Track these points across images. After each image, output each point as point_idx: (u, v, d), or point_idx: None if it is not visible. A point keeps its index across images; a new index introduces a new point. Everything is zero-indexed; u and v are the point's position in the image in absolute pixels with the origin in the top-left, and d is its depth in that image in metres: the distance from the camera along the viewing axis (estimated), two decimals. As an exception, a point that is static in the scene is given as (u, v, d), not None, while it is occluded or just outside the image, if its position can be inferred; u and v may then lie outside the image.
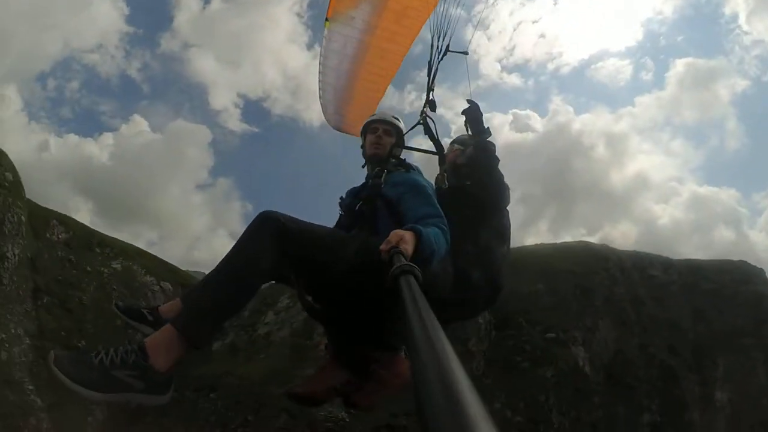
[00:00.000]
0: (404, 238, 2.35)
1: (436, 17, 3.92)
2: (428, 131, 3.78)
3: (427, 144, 3.94)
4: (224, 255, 2.63)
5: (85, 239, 20.63)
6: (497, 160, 3.69)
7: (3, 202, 16.58)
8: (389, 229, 2.46)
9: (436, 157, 3.87)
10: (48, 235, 19.12)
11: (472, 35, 4.62)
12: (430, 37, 3.98)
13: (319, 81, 4.70)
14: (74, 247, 20.20)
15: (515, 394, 14.21)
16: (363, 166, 3.71)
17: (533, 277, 17.57)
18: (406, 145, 3.64)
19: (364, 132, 3.63)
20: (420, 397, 0.71)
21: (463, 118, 3.88)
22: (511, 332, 15.73)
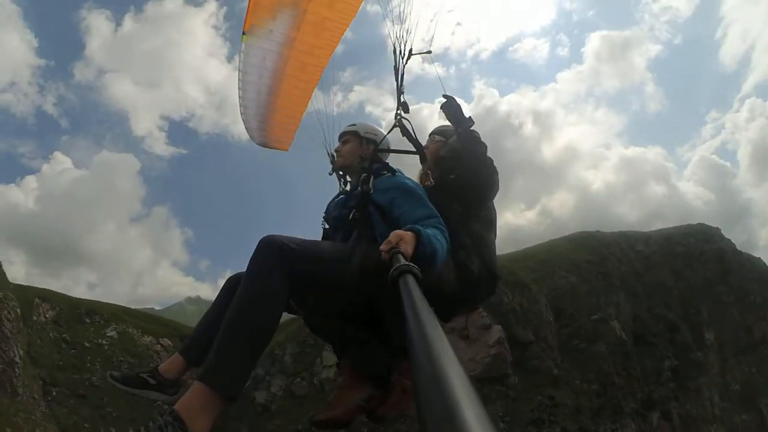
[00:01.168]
0: (404, 239, 2.37)
1: (393, 24, 3.92)
2: (405, 132, 3.73)
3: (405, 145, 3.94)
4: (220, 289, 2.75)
5: (71, 312, 20.87)
6: (485, 146, 3.74)
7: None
8: (387, 235, 2.44)
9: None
10: (35, 317, 19.25)
11: (433, 33, 4.36)
12: (391, 43, 3.95)
13: (240, 97, 4.65)
14: (64, 323, 20.37)
15: (585, 368, 19.06)
16: (345, 182, 3.80)
17: (565, 272, 22.51)
18: (386, 148, 3.70)
19: None
20: (419, 398, 0.74)
21: (443, 115, 3.87)
22: (566, 321, 20.54)
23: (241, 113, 4.71)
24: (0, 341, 16.70)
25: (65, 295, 22.88)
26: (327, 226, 3.49)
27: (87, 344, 20.08)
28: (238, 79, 4.55)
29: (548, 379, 17.77)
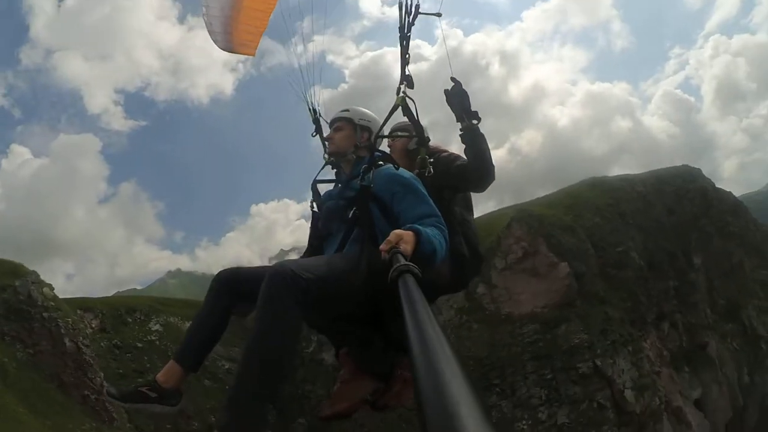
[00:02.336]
0: (404, 238, 2.44)
1: None
2: (407, 112, 3.48)
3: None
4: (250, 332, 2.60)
5: (113, 314, 21.78)
6: (488, 146, 3.57)
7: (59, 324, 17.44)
8: (387, 233, 2.51)
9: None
10: (84, 330, 19.42)
11: None
12: None
13: None
14: (110, 329, 21.19)
15: (620, 290, 24.47)
16: (333, 168, 3.72)
17: (591, 214, 27.56)
18: (382, 134, 3.55)
19: None
20: (419, 397, 0.75)
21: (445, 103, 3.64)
22: (600, 254, 25.71)
23: (204, 14, 4.47)
24: (86, 369, 17.52)
25: (100, 297, 24.03)
26: (316, 210, 3.52)
27: (139, 344, 21.27)
28: None
29: (598, 300, 22.97)
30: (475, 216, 3.74)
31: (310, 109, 4.07)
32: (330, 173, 3.77)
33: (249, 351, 2.55)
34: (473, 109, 3.54)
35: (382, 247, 2.35)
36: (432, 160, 3.51)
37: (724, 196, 36.35)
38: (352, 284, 2.79)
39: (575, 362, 20.48)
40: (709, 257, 31.73)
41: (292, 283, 2.54)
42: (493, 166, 3.55)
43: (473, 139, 3.50)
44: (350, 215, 3.19)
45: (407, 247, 2.41)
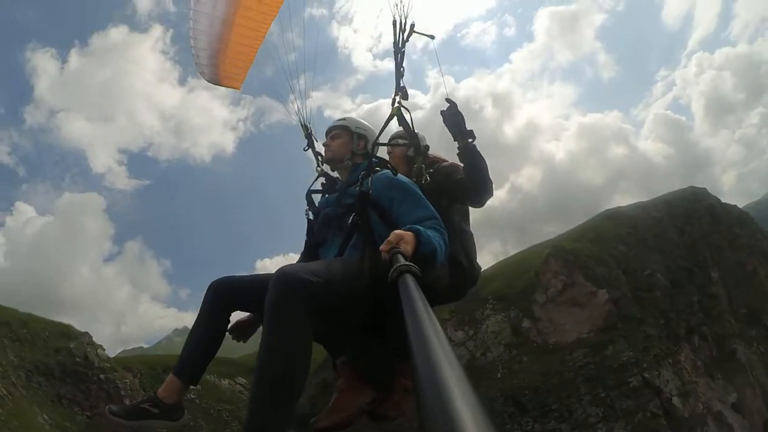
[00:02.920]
0: (404, 238, 2.50)
1: None
2: (403, 123, 3.64)
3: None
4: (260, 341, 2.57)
5: (150, 373, 21.97)
6: (486, 164, 3.71)
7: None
8: (386, 236, 2.54)
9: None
10: (138, 390, 19.79)
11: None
12: (391, 15, 3.72)
13: (190, 28, 4.45)
14: (149, 388, 20.99)
15: (652, 310, 27.47)
16: (321, 164, 3.97)
17: (615, 243, 30.77)
18: (379, 142, 3.64)
19: None
20: (419, 397, 0.77)
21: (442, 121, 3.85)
22: (629, 279, 28.79)
23: (191, 46, 4.50)
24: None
25: (138, 355, 24.42)
26: (311, 218, 3.60)
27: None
28: (189, 9, 4.34)
29: (636, 321, 25.95)
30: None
31: (302, 125, 4.22)
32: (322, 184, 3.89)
33: (261, 371, 2.48)
34: (468, 128, 3.69)
35: (383, 247, 2.38)
36: (432, 170, 3.70)
37: (730, 210, 39.62)
38: (356, 288, 2.78)
39: (625, 378, 23.25)
40: (724, 270, 34.75)
41: (301, 287, 2.52)
42: (491, 181, 3.68)
43: (469, 157, 3.65)
44: (349, 221, 3.23)
45: (407, 247, 2.43)
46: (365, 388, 3.18)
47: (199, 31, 4.46)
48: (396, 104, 3.63)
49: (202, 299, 3.20)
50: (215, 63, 4.68)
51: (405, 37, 3.74)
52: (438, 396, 0.72)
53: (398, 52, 3.75)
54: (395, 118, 3.64)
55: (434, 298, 3.06)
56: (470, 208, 3.97)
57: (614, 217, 34.34)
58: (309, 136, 4.27)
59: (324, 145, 3.74)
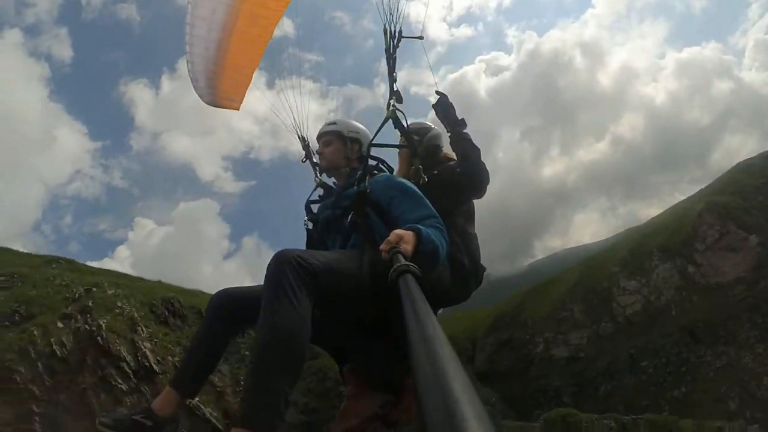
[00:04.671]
0: (404, 238, 2.54)
1: (385, 1, 3.89)
2: (398, 124, 3.74)
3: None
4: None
5: None
6: (479, 150, 3.87)
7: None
8: (386, 237, 2.56)
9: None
10: None
11: (424, 16, 4.42)
12: (382, 24, 3.93)
13: (187, 53, 4.62)
14: None
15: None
16: (318, 174, 4.12)
17: (758, 193, 36.44)
18: (375, 143, 3.69)
19: None
20: (420, 398, 0.78)
21: (435, 112, 4.06)
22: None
23: (189, 70, 4.71)
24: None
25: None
26: (310, 227, 3.66)
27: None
28: (186, 33, 4.52)
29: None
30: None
31: (299, 137, 4.41)
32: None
33: (259, 348, 2.48)
34: (460, 117, 3.94)
35: (383, 247, 2.45)
36: (437, 170, 3.88)
37: None
38: (356, 278, 2.84)
39: (778, 304, 29.68)
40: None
41: (298, 265, 2.55)
42: (486, 170, 3.86)
43: (459, 145, 3.87)
44: (348, 222, 3.31)
45: (407, 246, 2.49)
46: (374, 393, 3.24)
47: (196, 54, 4.61)
48: (391, 107, 3.71)
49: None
50: (213, 86, 4.82)
51: (396, 43, 3.90)
52: (439, 396, 0.74)
53: (390, 58, 3.88)
54: (390, 120, 3.72)
55: (437, 300, 3.27)
56: (474, 210, 4.08)
57: (748, 169, 39.40)
58: (306, 147, 4.37)
59: (317, 153, 3.79)
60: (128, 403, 19.24)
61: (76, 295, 21.09)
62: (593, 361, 34.98)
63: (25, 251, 27.51)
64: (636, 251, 37.73)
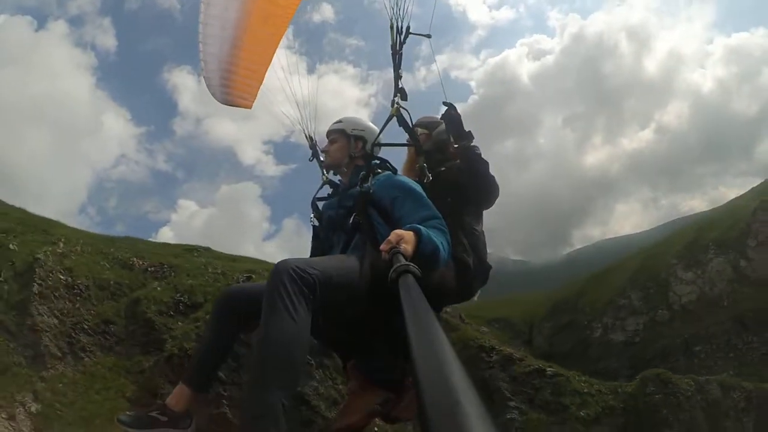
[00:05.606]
0: (404, 238, 2.61)
1: None
2: (403, 123, 3.82)
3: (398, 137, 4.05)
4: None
5: None
6: (487, 164, 3.90)
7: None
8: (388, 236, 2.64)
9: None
10: None
11: (432, 14, 4.31)
12: (388, 18, 3.94)
13: (201, 51, 4.72)
14: None
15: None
16: (326, 173, 4.23)
17: None
18: (379, 143, 3.80)
19: None
20: (420, 398, 0.79)
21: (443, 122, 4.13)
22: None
23: (202, 69, 4.85)
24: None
25: None
26: (317, 224, 3.81)
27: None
28: (199, 32, 4.65)
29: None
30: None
31: (307, 137, 4.55)
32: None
33: (259, 358, 2.57)
34: (467, 129, 3.94)
35: (383, 247, 2.52)
36: (444, 167, 3.99)
37: None
38: (357, 284, 2.93)
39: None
40: None
41: (297, 276, 2.63)
42: (495, 184, 3.90)
43: (466, 159, 3.91)
44: (350, 222, 3.42)
45: (408, 247, 2.56)
46: (376, 390, 3.31)
47: (209, 53, 4.72)
48: (396, 105, 3.80)
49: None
50: (226, 84, 4.91)
51: (402, 39, 3.96)
52: (439, 396, 0.75)
53: (396, 54, 3.94)
54: (395, 118, 3.80)
55: (441, 299, 3.45)
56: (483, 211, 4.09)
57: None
58: (314, 146, 4.49)
59: (322, 150, 3.98)
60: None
61: (239, 282, 20.85)
62: (649, 345, 38.67)
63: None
64: (692, 245, 41.47)
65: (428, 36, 4.11)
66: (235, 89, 4.94)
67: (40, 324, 16.33)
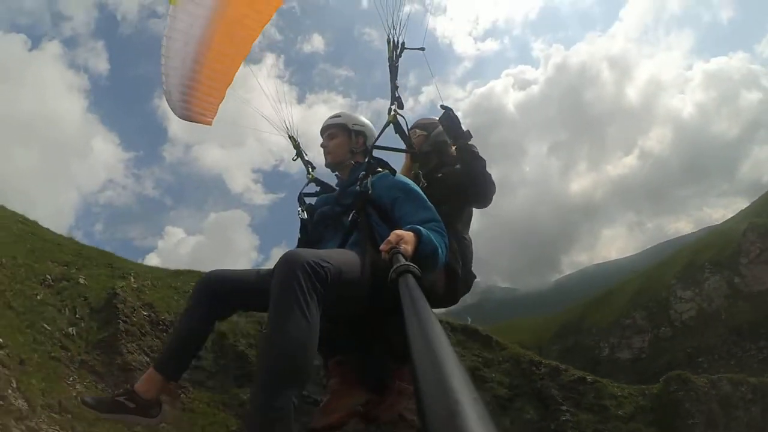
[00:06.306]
0: (404, 238, 2.61)
1: (386, 11, 4.00)
2: (399, 130, 3.87)
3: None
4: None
5: None
6: (484, 161, 4.04)
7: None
8: (386, 237, 2.64)
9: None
10: None
11: (425, 30, 4.45)
12: (385, 34, 4.07)
13: (162, 65, 4.68)
14: None
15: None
16: (311, 169, 4.26)
17: None
18: (379, 145, 3.82)
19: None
20: (420, 398, 0.80)
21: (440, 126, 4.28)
22: None
23: (163, 83, 4.76)
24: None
25: None
26: (305, 217, 3.77)
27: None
28: (162, 45, 4.59)
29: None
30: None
31: (289, 136, 4.54)
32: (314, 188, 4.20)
33: (269, 351, 2.47)
34: (465, 129, 4.12)
35: (383, 247, 2.52)
36: (441, 173, 4.07)
37: None
38: (361, 281, 2.88)
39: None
40: None
41: (312, 270, 2.54)
42: (492, 181, 4.03)
43: (463, 157, 4.06)
44: (349, 220, 3.40)
45: (408, 247, 2.56)
46: (359, 389, 3.27)
47: (171, 67, 4.66)
48: (392, 112, 3.85)
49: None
50: (186, 100, 4.85)
51: (399, 53, 4.06)
52: (440, 395, 0.75)
53: (392, 67, 4.01)
54: (392, 125, 3.86)
55: (430, 303, 2.83)
56: (472, 215, 4.22)
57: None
58: (297, 146, 4.49)
59: (321, 146, 3.83)
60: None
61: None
62: (655, 360, 42.22)
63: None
64: (689, 265, 45.62)
65: (422, 49, 4.23)
66: (195, 105, 4.97)
67: (132, 363, 15.57)
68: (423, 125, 4.41)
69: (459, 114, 4.20)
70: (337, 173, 3.90)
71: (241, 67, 4.96)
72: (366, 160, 3.70)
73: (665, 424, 25.76)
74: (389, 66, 4.07)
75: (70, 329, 17.76)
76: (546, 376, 26.52)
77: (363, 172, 3.57)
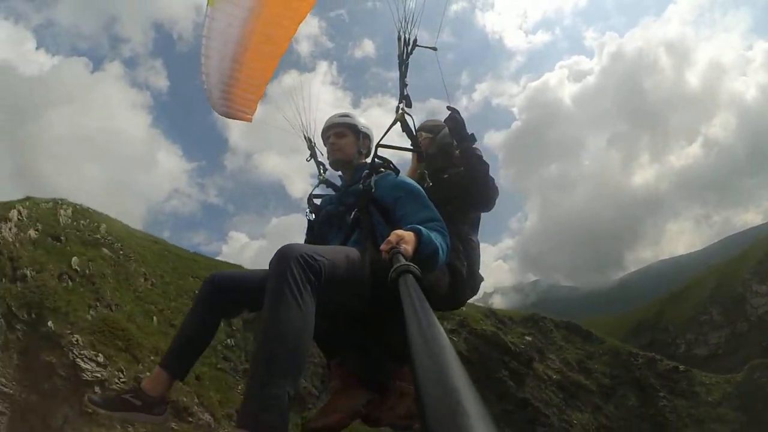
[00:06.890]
0: (404, 238, 2.64)
1: (399, 8, 4.02)
2: (406, 129, 3.87)
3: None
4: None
5: None
6: (487, 165, 4.04)
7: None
8: (387, 236, 2.66)
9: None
10: None
11: (439, 28, 4.38)
12: (396, 31, 4.09)
13: (202, 64, 4.82)
14: None
15: None
16: (324, 170, 4.31)
17: None
18: (383, 144, 3.79)
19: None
20: (420, 398, 0.81)
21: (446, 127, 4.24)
22: None
23: (203, 81, 4.92)
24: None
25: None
26: (312, 218, 3.84)
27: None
28: (202, 45, 4.74)
29: None
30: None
31: (306, 138, 4.60)
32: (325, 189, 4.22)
33: (264, 340, 2.50)
34: (470, 132, 4.11)
35: (383, 247, 2.54)
36: (446, 176, 4.07)
37: None
38: (359, 278, 2.91)
39: None
40: None
41: (305, 263, 2.58)
42: (495, 187, 4.07)
43: (466, 160, 4.05)
44: (351, 218, 3.45)
45: (408, 247, 2.58)
46: (360, 390, 3.27)
47: (211, 66, 4.83)
48: (400, 111, 3.87)
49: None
50: (226, 97, 5.02)
51: (410, 50, 4.08)
52: (440, 395, 0.76)
53: (402, 64, 4.05)
54: (399, 123, 3.87)
55: (431, 304, 2.70)
56: (480, 219, 4.22)
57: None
58: (312, 147, 4.55)
59: (330, 143, 3.84)
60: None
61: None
62: (731, 355, 43.58)
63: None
64: (764, 259, 47.40)
65: (434, 49, 4.17)
66: (234, 103, 5.04)
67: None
68: (429, 128, 4.45)
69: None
70: (340, 173, 3.95)
71: (282, 72, 5.19)
72: (372, 159, 3.73)
73: (750, 408, 29.04)
74: (399, 63, 4.09)
75: (228, 341, 20.76)
76: (643, 366, 30.15)
77: (366, 171, 3.61)
